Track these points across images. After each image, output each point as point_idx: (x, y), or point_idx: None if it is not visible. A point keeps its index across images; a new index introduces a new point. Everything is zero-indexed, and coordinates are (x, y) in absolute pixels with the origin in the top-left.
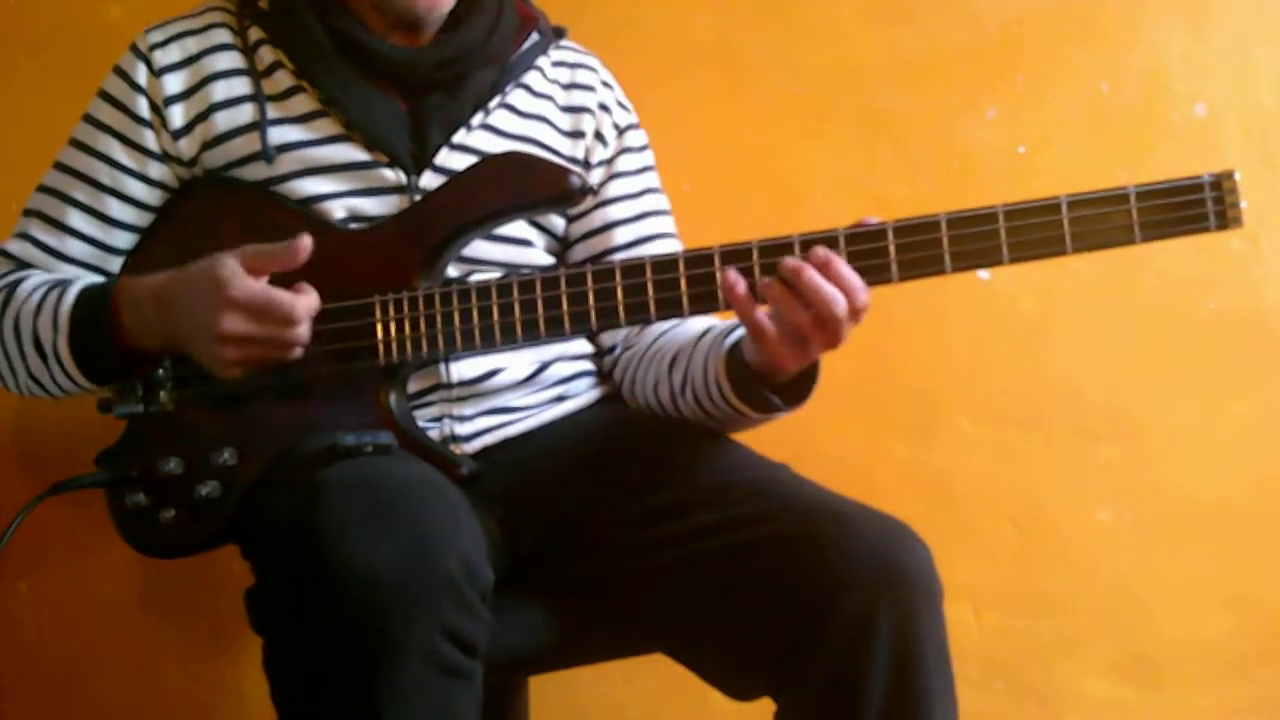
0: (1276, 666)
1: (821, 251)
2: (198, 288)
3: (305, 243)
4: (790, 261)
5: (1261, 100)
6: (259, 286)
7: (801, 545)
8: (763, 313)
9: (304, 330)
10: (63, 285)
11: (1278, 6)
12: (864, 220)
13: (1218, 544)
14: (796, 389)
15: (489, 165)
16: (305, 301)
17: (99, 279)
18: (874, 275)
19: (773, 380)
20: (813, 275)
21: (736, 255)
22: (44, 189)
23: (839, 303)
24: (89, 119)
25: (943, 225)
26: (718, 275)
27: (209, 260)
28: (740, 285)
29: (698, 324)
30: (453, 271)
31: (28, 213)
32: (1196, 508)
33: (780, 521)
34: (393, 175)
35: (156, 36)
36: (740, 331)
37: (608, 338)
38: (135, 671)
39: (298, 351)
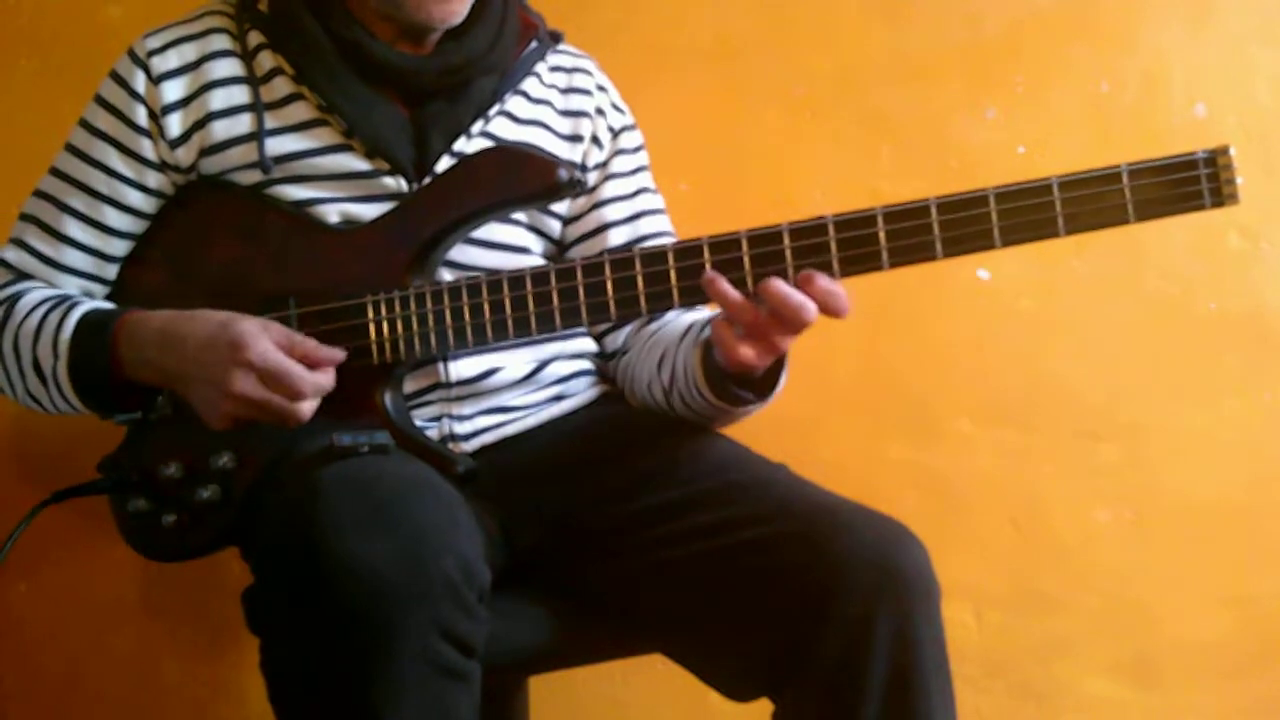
0: (1276, 666)
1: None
2: (212, 339)
3: (338, 355)
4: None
5: (1261, 101)
6: (276, 355)
7: (800, 546)
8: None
9: (307, 407)
10: (63, 308)
11: (1278, 7)
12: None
13: (1218, 544)
14: (765, 382)
15: (478, 161)
16: (315, 380)
17: (101, 304)
18: (864, 263)
19: (744, 375)
20: (778, 285)
21: (725, 246)
22: (40, 195)
23: (808, 309)
24: (85, 125)
25: (933, 210)
26: (707, 267)
27: (228, 315)
28: (721, 281)
29: (686, 320)
30: (449, 279)
31: (24, 218)
32: (1196, 508)
33: (779, 522)
34: (393, 183)
35: (155, 42)
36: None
37: (611, 340)
38: (135, 671)
39: (296, 422)
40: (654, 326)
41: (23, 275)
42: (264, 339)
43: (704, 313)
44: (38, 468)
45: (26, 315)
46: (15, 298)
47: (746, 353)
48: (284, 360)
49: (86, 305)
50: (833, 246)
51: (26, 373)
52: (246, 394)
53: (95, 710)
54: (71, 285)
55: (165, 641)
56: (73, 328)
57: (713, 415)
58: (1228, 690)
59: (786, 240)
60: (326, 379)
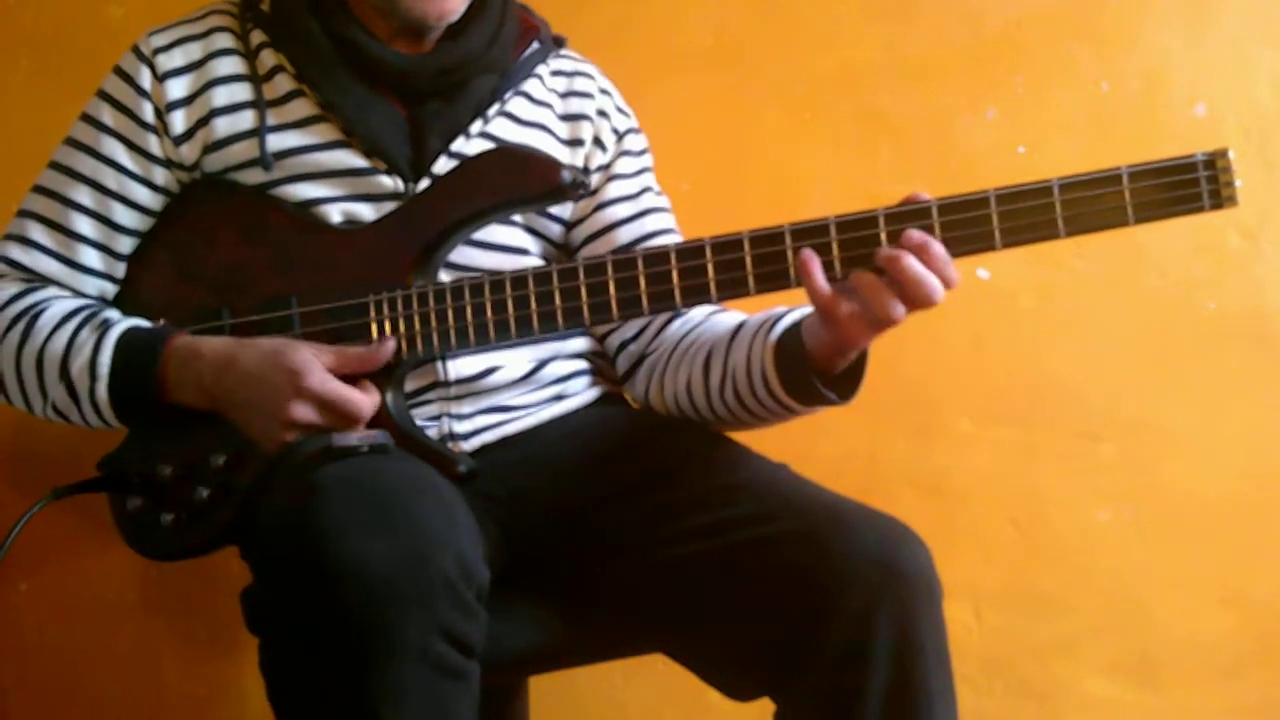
0: (1276, 666)
1: (917, 235)
2: (267, 366)
3: (389, 347)
4: (886, 251)
5: (1261, 100)
6: (335, 384)
7: (801, 545)
8: (834, 291)
9: (362, 428)
10: (94, 324)
11: (1278, 7)
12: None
13: (1218, 544)
14: (844, 382)
15: (481, 161)
16: (372, 403)
17: (135, 321)
18: (866, 264)
19: (823, 371)
20: (911, 262)
21: (727, 246)
22: (43, 191)
23: (937, 289)
24: (90, 120)
25: (934, 211)
26: (709, 267)
27: (282, 343)
28: (816, 264)
29: (728, 321)
30: (447, 279)
31: (26, 215)
32: (1196, 507)
33: (780, 521)
34: (390, 182)
35: (160, 40)
36: (785, 322)
37: (614, 339)
38: (135, 671)
39: None
40: (682, 329)
41: (37, 276)
42: (319, 366)
43: (740, 314)
44: (38, 467)
45: (53, 331)
46: (37, 311)
47: (856, 326)
48: (343, 389)
49: (120, 324)
50: (834, 247)
51: (51, 389)
52: (306, 421)
53: (95, 710)
54: (90, 286)
55: (165, 641)
56: (112, 348)
57: (766, 415)
58: (1228, 690)
59: (788, 241)
60: (376, 397)
